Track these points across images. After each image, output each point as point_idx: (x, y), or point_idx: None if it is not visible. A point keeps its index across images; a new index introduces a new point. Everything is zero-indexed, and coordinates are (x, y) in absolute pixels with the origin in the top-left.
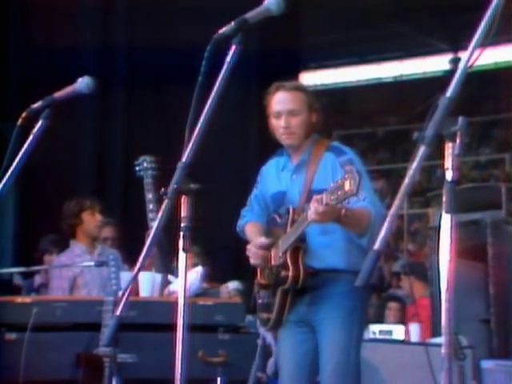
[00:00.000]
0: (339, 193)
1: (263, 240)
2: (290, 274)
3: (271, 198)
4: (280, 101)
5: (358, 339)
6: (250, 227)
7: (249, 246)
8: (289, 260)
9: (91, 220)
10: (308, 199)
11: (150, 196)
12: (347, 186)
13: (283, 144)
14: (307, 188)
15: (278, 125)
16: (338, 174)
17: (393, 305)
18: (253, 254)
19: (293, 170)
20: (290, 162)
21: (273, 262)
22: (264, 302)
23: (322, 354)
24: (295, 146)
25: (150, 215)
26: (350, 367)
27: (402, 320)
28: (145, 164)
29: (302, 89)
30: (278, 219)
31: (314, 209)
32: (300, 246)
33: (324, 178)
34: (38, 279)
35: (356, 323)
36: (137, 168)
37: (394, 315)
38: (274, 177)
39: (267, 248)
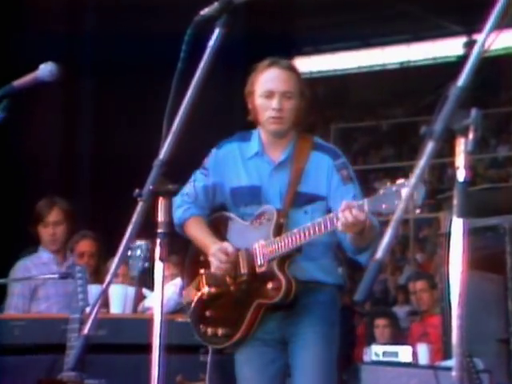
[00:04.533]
0: (399, 203)
1: (230, 247)
2: (284, 286)
3: (233, 191)
4: (274, 79)
5: (336, 356)
6: (196, 223)
7: (213, 251)
8: (277, 270)
9: None
10: (294, 202)
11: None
12: (415, 196)
13: (268, 129)
14: (293, 189)
15: (266, 105)
16: (335, 179)
17: (380, 322)
18: (220, 261)
19: (273, 166)
20: (264, 152)
21: (242, 271)
22: (216, 314)
23: (299, 371)
24: (280, 134)
25: None
26: None
27: (394, 338)
28: (138, 252)
29: (296, 70)
30: (240, 219)
31: (353, 217)
32: (291, 255)
33: (315, 181)
34: None
35: (336, 338)
36: (128, 253)
37: (382, 333)
38: (237, 166)
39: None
